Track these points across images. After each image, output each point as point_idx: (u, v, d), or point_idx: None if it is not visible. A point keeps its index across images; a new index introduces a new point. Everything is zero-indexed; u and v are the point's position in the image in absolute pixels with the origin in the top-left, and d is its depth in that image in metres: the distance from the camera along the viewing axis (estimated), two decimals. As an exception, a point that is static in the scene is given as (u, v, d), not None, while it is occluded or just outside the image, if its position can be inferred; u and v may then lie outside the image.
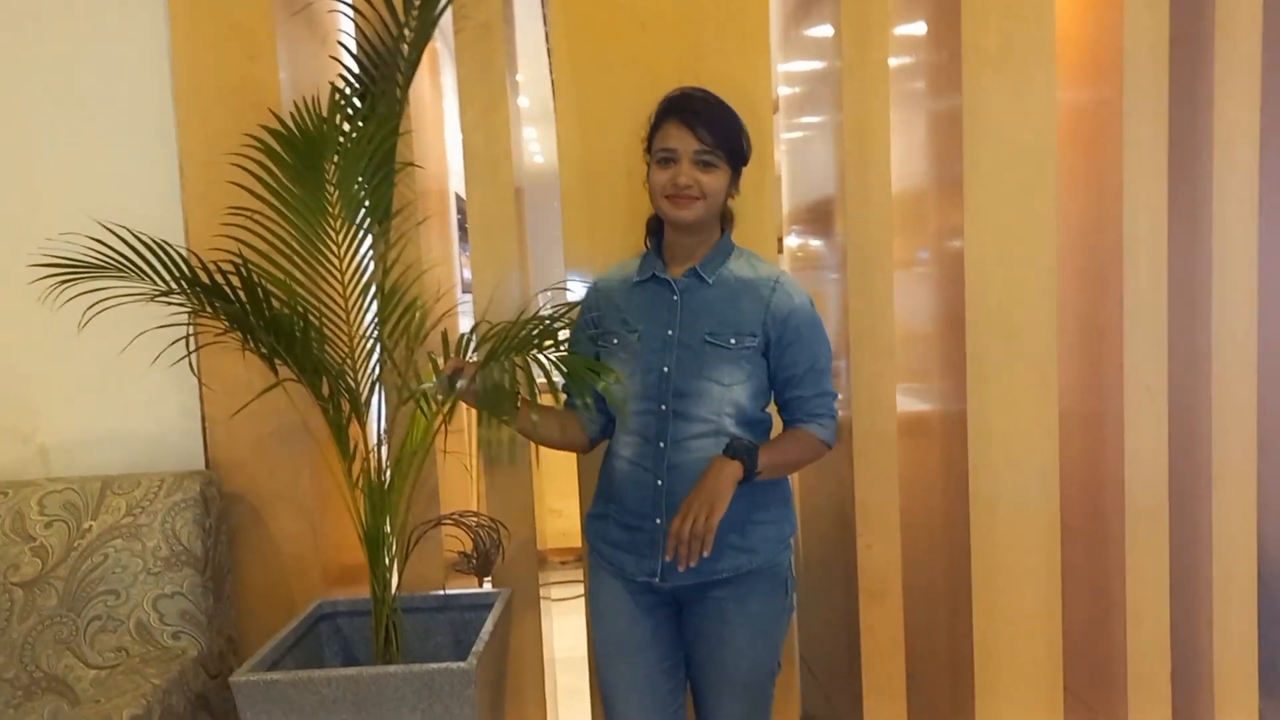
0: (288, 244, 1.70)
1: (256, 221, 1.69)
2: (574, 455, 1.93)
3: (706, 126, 1.52)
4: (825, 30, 2.15)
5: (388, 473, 1.71)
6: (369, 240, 1.76)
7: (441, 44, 2.69)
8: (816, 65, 2.29)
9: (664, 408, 1.55)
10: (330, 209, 1.69)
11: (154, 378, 1.95)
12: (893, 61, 2.07)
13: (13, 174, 2.00)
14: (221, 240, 1.68)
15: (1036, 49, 2.05)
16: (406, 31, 1.75)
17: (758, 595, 1.59)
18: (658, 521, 1.56)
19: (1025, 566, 2.14)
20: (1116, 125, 2.13)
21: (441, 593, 1.94)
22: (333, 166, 1.68)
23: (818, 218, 2.34)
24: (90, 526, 1.83)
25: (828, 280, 2.25)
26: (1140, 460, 2.17)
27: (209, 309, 1.62)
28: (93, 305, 1.62)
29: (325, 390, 1.68)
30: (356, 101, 1.76)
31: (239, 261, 1.59)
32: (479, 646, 1.61)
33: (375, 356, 1.75)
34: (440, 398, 1.57)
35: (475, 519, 1.93)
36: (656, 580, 1.57)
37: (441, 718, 1.55)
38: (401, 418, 1.79)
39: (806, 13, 2.36)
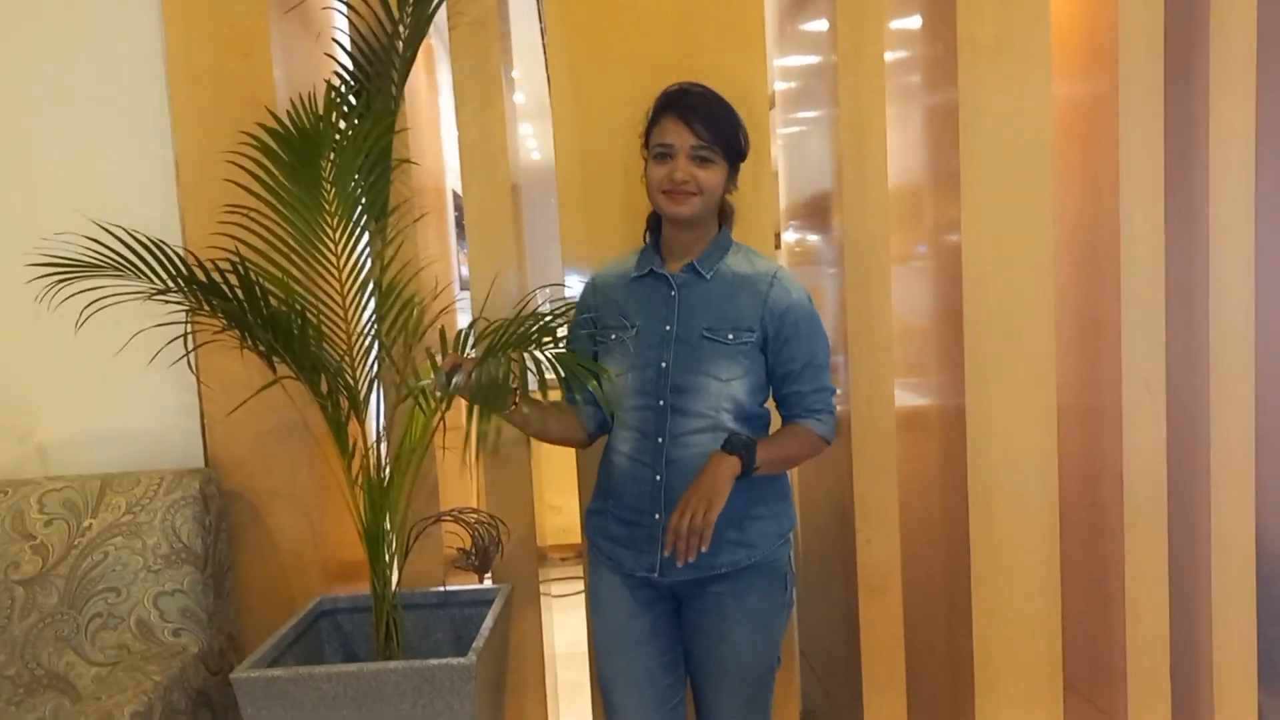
0: (285, 241, 1.70)
1: (253, 219, 1.70)
2: (573, 451, 1.94)
3: (704, 122, 1.52)
4: (820, 25, 2.15)
5: (387, 470, 1.72)
6: (366, 237, 1.76)
7: (437, 40, 2.69)
8: (812, 60, 2.29)
9: (662, 403, 1.56)
10: (327, 206, 1.69)
11: (152, 376, 1.95)
12: (888, 55, 2.06)
13: (9, 174, 2.00)
14: (218, 238, 1.68)
15: (1032, 42, 2.04)
16: (401, 28, 1.75)
17: (756, 590, 1.59)
18: (656, 517, 1.56)
19: (1024, 561, 2.14)
20: (1113, 119, 2.13)
21: (441, 589, 1.94)
22: (329, 164, 1.68)
23: (815, 213, 2.34)
24: (90, 524, 1.84)
25: (825, 275, 2.25)
26: (1139, 455, 2.17)
27: (207, 307, 1.62)
28: (90, 304, 1.62)
29: (324, 387, 1.68)
30: (352, 99, 1.76)
31: (236, 259, 1.59)
32: (479, 642, 1.61)
33: (373, 353, 1.75)
34: (439, 394, 1.57)
35: (475, 516, 1.94)
36: (655, 575, 1.58)
37: (442, 713, 1.55)
38: (400, 415, 1.79)
39: (802, 7, 2.36)
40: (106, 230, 1.60)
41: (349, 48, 1.80)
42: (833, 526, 2.27)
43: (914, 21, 2.30)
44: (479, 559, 1.95)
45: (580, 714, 2.25)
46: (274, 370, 1.67)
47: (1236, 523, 2.23)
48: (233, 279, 1.59)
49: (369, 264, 1.76)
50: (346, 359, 1.72)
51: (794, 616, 2.00)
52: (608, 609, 1.65)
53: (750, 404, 1.59)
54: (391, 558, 1.74)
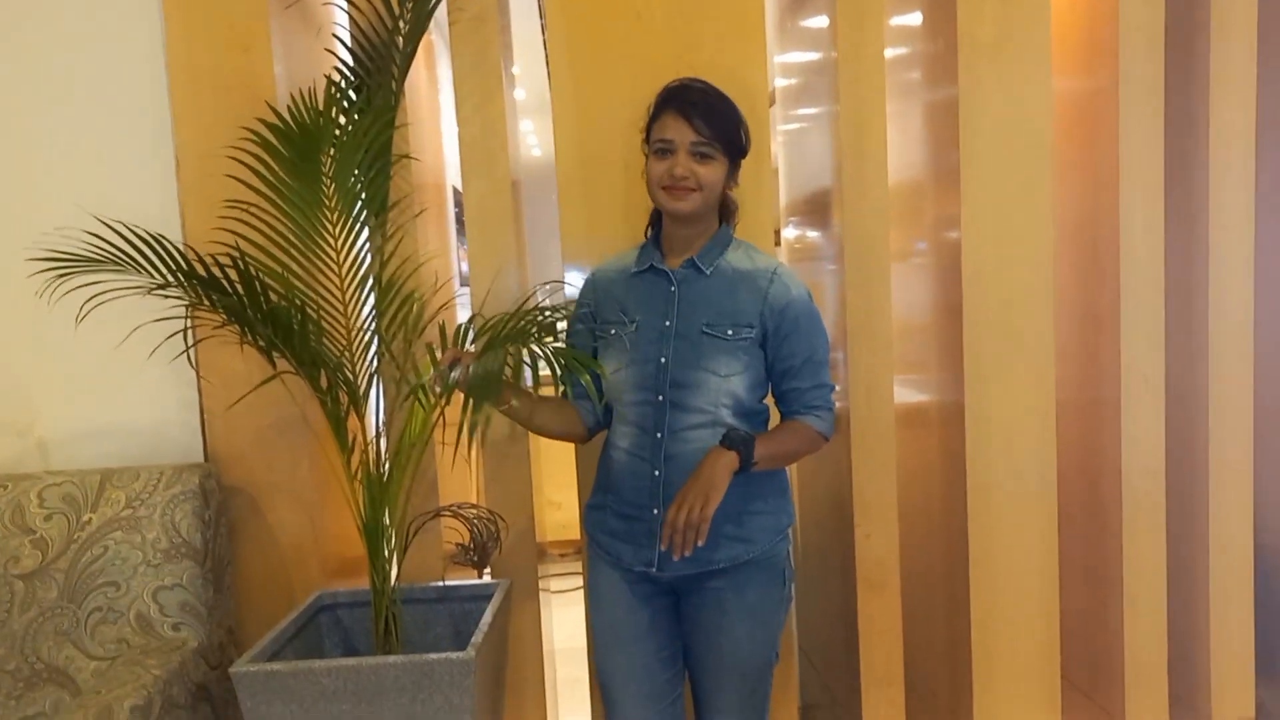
0: (285, 237, 1.70)
1: (253, 215, 1.69)
2: (572, 447, 1.94)
3: (704, 118, 1.52)
4: (821, 21, 2.15)
5: (386, 465, 1.72)
6: (366, 233, 1.76)
7: (437, 36, 2.69)
8: (812, 57, 2.29)
9: (661, 398, 1.56)
10: (327, 202, 1.69)
11: (152, 371, 1.95)
12: (889, 52, 2.07)
13: (9, 169, 2.00)
14: (218, 233, 1.68)
15: (1032, 38, 2.04)
16: (401, 24, 1.75)
17: (755, 585, 1.59)
18: (655, 512, 1.56)
19: (1023, 556, 2.15)
20: (1113, 114, 2.13)
21: (441, 584, 1.95)
22: (329, 159, 1.68)
23: (815, 209, 2.34)
24: (90, 519, 1.84)
25: (825, 272, 2.25)
26: (1137, 449, 2.18)
27: (207, 302, 1.62)
28: (90, 299, 1.62)
29: (323, 383, 1.68)
30: (352, 94, 1.76)
31: (236, 255, 1.59)
32: (478, 637, 1.61)
33: (373, 349, 1.75)
34: (438, 389, 1.57)
35: (474, 511, 1.94)
36: (654, 570, 1.58)
37: (441, 707, 1.56)
38: (400, 410, 1.79)
39: (802, 4, 2.36)
40: (107, 225, 1.60)
41: (349, 43, 1.80)
42: (832, 521, 2.27)
43: (914, 18, 2.30)
44: (478, 554, 1.95)
45: (579, 709, 2.26)
46: (274, 365, 1.67)
47: (1235, 518, 2.24)
48: (233, 274, 1.59)
49: (369, 259, 1.76)
50: (346, 354, 1.72)
51: (793, 611, 2.00)
52: (607, 604, 1.66)
53: (749, 400, 1.59)
54: (391, 552, 1.74)
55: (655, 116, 1.57)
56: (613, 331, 1.63)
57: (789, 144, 2.62)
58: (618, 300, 1.64)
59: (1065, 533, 2.17)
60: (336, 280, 1.72)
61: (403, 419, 1.75)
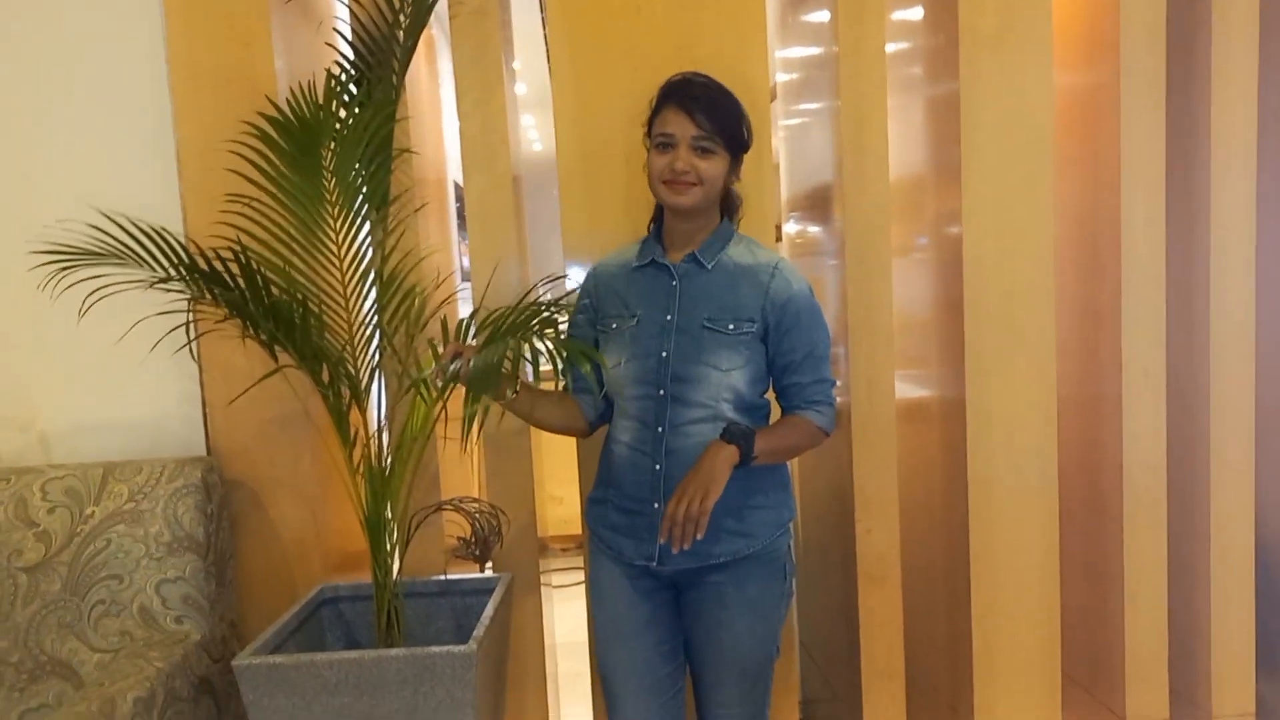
0: (286, 231, 1.70)
1: (254, 209, 1.70)
2: (574, 442, 1.94)
3: (705, 112, 1.52)
4: (822, 16, 2.15)
5: (388, 459, 1.72)
6: (367, 227, 1.76)
7: (438, 30, 2.69)
8: (813, 51, 2.29)
9: (662, 393, 1.56)
10: (328, 196, 1.69)
11: (154, 365, 1.95)
12: (890, 47, 2.06)
13: (11, 163, 2.01)
14: (220, 227, 1.68)
15: (1033, 32, 2.04)
16: (402, 18, 1.75)
17: (756, 580, 1.60)
18: (656, 506, 1.56)
19: (1024, 551, 2.15)
20: (1114, 109, 2.13)
21: (442, 578, 1.95)
22: (329, 153, 1.68)
23: (816, 204, 2.34)
24: (93, 512, 1.85)
25: (826, 267, 2.25)
26: (1138, 445, 2.18)
27: (208, 296, 1.63)
28: (93, 293, 1.62)
29: (325, 377, 1.68)
30: (353, 88, 1.76)
31: (237, 249, 1.60)
32: (479, 631, 1.62)
33: (375, 343, 1.75)
34: (439, 383, 1.57)
35: (475, 505, 1.94)
36: (654, 564, 1.58)
37: (443, 701, 1.56)
38: (402, 404, 1.80)
39: (804, -2, 2.35)
40: (109, 219, 1.60)
41: (350, 38, 1.80)
42: (833, 516, 2.28)
43: (915, 12, 2.30)
44: (480, 548, 1.95)
45: (580, 703, 2.27)
46: (276, 359, 1.68)
47: (1235, 513, 2.24)
48: (234, 268, 1.59)
49: (370, 254, 1.77)
50: (348, 348, 1.72)
51: (794, 606, 2.01)
52: (608, 598, 1.66)
53: (750, 394, 1.59)
54: (393, 546, 1.74)
55: (657, 111, 1.57)
56: (614, 326, 1.63)
57: (790, 139, 2.62)
58: (619, 294, 1.64)
59: (1066, 528, 2.18)
60: (338, 274, 1.72)
61: (404, 413, 1.76)
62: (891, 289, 2.08)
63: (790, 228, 2.70)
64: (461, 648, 1.56)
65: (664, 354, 1.56)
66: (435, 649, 1.56)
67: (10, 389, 2.05)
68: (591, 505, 1.72)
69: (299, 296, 1.62)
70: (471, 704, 1.56)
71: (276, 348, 1.65)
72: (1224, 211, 2.18)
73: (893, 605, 2.13)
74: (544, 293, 1.91)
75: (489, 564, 2.01)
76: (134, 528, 1.84)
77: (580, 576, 2.04)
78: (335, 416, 1.71)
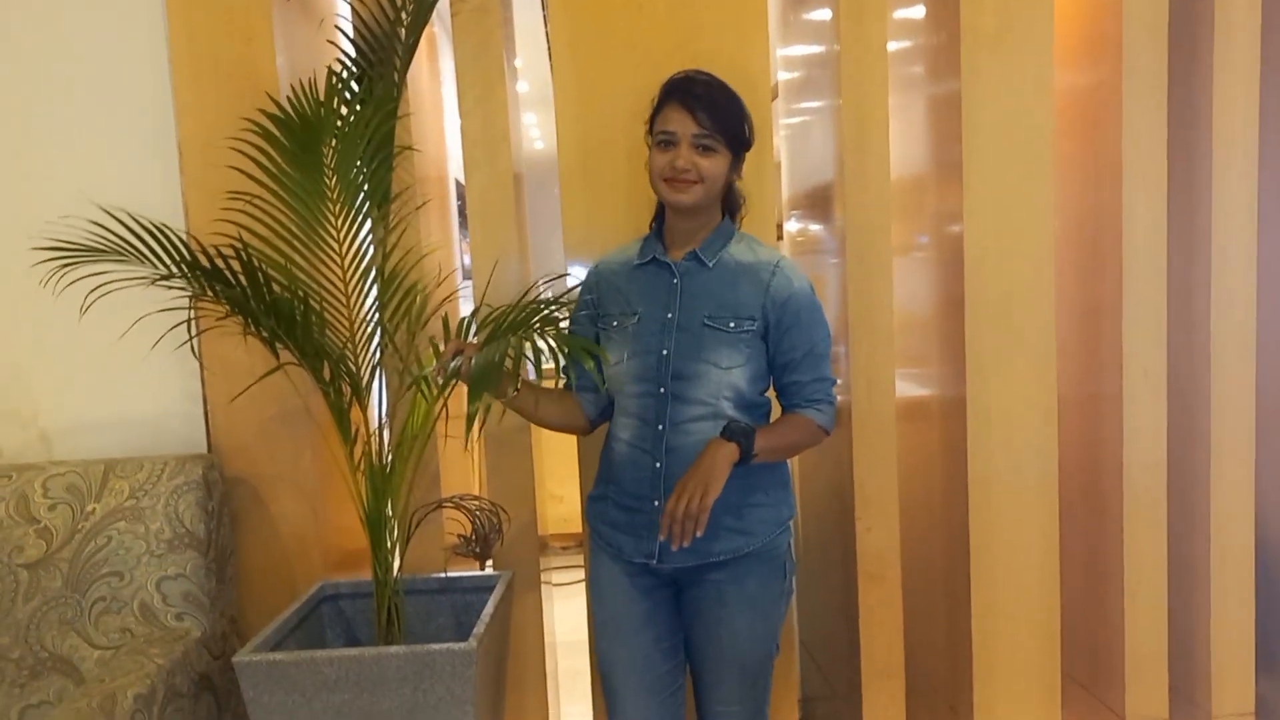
0: (287, 228, 1.71)
1: (256, 206, 1.70)
2: (575, 440, 1.94)
3: (707, 110, 1.52)
4: (823, 14, 2.15)
5: (389, 456, 1.72)
6: (368, 224, 1.76)
7: (439, 28, 2.69)
8: (815, 50, 2.29)
9: (663, 390, 1.56)
10: (329, 193, 1.69)
11: (155, 362, 1.96)
12: (891, 45, 2.06)
13: (13, 160, 2.01)
14: (221, 224, 1.68)
15: (1035, 31, 2.04)
16: (403, 15, 1.75)
17: (755, 578, 1.60)
18: (656, 504, 1.57)
19: (1024, 549, 2.15)
20: (1115, 107, 2.13)
21: (443, 575, 1.95)
22: (330, 150, 1.68)
23: (817, 203, 2.34)
24: (94, 509, 1.85)
25: (827, 265, 2.25)
26: (1138, 443, 2.18)
27: (210, 293, 1.63)
28: (94, 289, 1.62)
29: (326, 374, 1.69)
30: (354, 85, 1.76)
31: (239, 246, 1.60)
32: (480, 628, 1.62)
33: (376, 340, 1.75)
34: (440, 380, 1.58)
35: (476, 502, 1.94)
36: (654, 562, 1.58)
37: (443, 698, 1.56)
38: (403, 402, 1.80)
39: (806, -4, 2.35)
40: (110, 215, 1.60)
41: (351, 35, 1.80)
42: (833, 514, 2.28)
43: (917, 11, 2.30)
44: (480, 546, 1.96)
45: (580, 701, 2.27)
46: (277, 356, 1.68)
47: (1235, 511, 2.24)
48: (236, 265, 1.60)
49: (371, 251, 1.77)
50: (349, 346, 1.72)
51: (793, 604, 2.01)
52: (608, 595, 1.66)
53: (750, 392, 1.59)
54: (393, 544, 1.75)
55: (659, 108, 1.57)
56: (615, 323, 1.63)
57: (791, 137, 2.62)
58: (620, 292, 1.65)
59: (1066, 527, 2.18)
60: (339, 272, 1.72)
61: (405, 411, 1.76)
62: (892, 287, 2.08)
63: (791, 226, 2.70)
64: (461, 645, 1.56)
65: (664, 352, 1.56)
66: (435, 646, 1.56)
67: (12, 385, 2.05)
68: (591, 503, 1.72)
69: (300, 294, 1.62)
70: (471, 701, 1.56)
71: (278, 345, 1.65)
72: (1225, 210, 2.18)
73: (892, 603, 2.13)
74: (544, 289, 1.91)
75: (489, 562, 2.01)
76: (135, 524, 1.84)
77: (580, 574, 2.04)
78: (336, 414, 1.71)
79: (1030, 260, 2.09)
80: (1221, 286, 2.19)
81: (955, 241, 2.11)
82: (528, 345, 1.51)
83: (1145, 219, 2.14)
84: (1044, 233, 2.09)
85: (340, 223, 1.71)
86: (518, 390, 1.61)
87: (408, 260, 1.83)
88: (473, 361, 1.50)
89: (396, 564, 1.76)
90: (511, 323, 1.62)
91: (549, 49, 2.04)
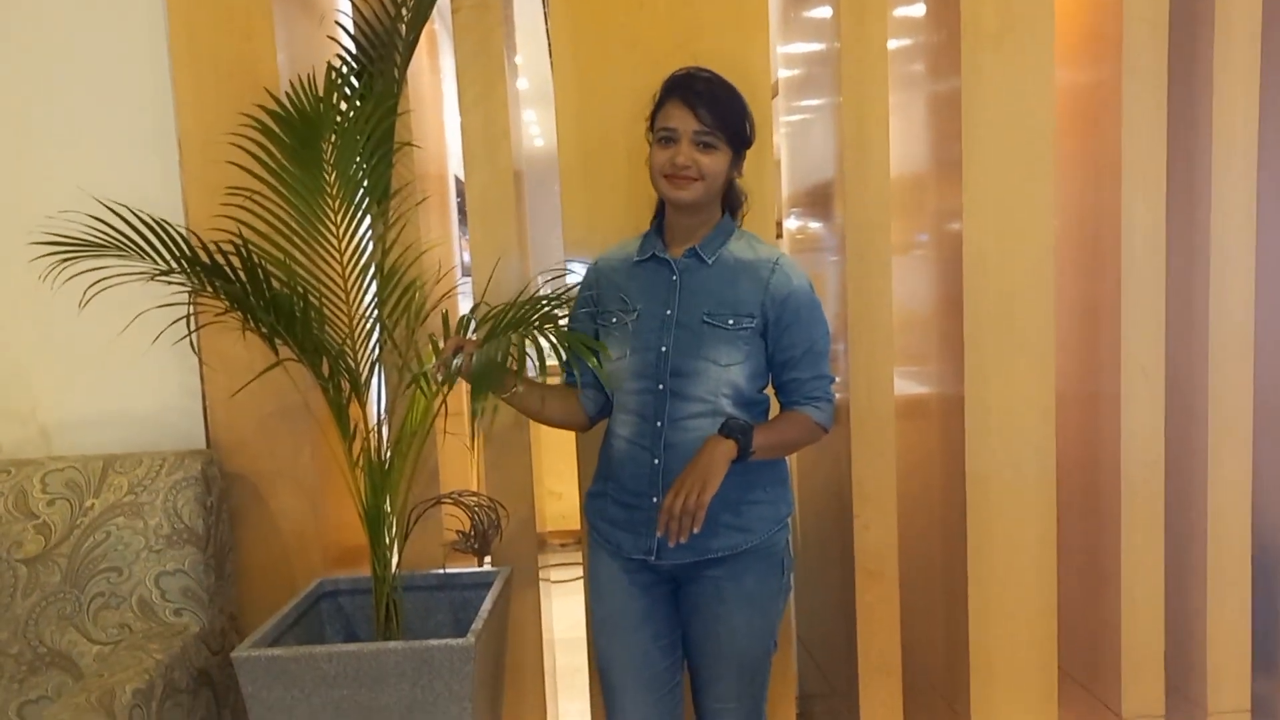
0: (287, 224, 1.70)
1: (255, 201, 1.70)
2: (573, 437, 1.95)
3: (708, 107, 1.52)
4: (824, 12, 2.15)
5: (388, 452, 1.72)
6: (368, 221, 1.76)
7: (440, 25, 2.68)
8: (815, 48, 2.29)
9: (661, 387, 1.56)
10: (329, 189, 1.69)
11: (155, 357, 1.95)
12: (891, 43, 2.06)
13: (13, 155, 2.01)
14: (221, 220, 1.68)
15: (1035, 29, 2.04)
16: (404, 11, 1.75)
17: (753, 575, 1.60)
18: (655, 500, 1.57)
19: (1021, 547, 2.15)
20: (1115, 105, 2.13)
21: (441, 571, 1.95)
22: (330, 146, 1.68)
23: (817, 201, 2.34)
24: (92, 504, 1.85)
25: (827, 263, 2.25)
26: (1136, 442, 2.18)
27: (209, 289, 1.63)
28: (93, 284, 1.62)
29: (325, 370, 1.69)
30: (354, 81, 1.76)
31: (239, 241, 1.60)
32: (478, 624, 1.62)
33: (375, 337, 1.75)
34: (440, 377, 1.58)
35: (475, 499, 1.95)
36: (653, 558, 1.59)
37: (441, 694, 1.57)
38: (402, 398, 1.80)
39: (806, -6, 2.35)
40: (110, 210, 1.60)
41: (352, 31, 1.80)
42: (831, 512, 2.28)
43: (917, 9, 2.30)
44: (479, 542, 1.96)
45: (578, 697, 2.27)
46: (276, 352, 1.68)
47: (1233, 511, 2.25)
48: (235, 261, 1.60)
49: (371, 247, 1.77)
50: (348, 342, 1.72)
51: (792, 601, 2.01)
52: (606, 592, 1.66)
53: (749, 389, 1.59)
54: (392, 540, 1.75)
55: (660, 105, 1.57)
56: (614, 320, 1.63)
57: (792, 135, 2.62)
58: (620, 288, 1.65)
59: (1063, 524, 2.18)
60: (339, 268, 1.72)
61: (404, 407, 1.76)
62: (891, 286, 2.08)
63: (791, 224, 2.70)
64: (460, 641, 1.56)
65: (664, 349, 1.56)
66: (434, 642, 1.56)
67: (11, 380, 2.05)
68: (590, 499, 1.73)
69: (300, 290, 1.63)
70: (469, 697, 1.57)
71: (277, 341, 1.66)
72: (1224, 210, 2.18)
73: (890, 601, 2.14)
74: (543, 285, 1.91)
75: (488, 558, 2.01)
76: (134, 520, 1.84)
77: (579, 572, 2.04)
78: (335, 410, 1.71)
79: (1030, 259, 2.09)
80: (1220, 286, 2.19)
81: (955, 240, 2.11)
82: (528, 342, 1.51)
83: (1145, 218, 2.14)
84: (1044, 231, 2.09)
85: (340, 219, 1.71)
86: (519, 388, 1.61)
87: (407, 256, 1.83)
88: (474, 359, 1.50)
89: (395, 560, 1.76)
90: (511, 320, 1.62)
91: (549, 46, 2.04)
